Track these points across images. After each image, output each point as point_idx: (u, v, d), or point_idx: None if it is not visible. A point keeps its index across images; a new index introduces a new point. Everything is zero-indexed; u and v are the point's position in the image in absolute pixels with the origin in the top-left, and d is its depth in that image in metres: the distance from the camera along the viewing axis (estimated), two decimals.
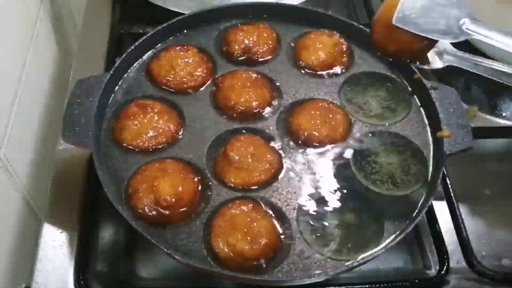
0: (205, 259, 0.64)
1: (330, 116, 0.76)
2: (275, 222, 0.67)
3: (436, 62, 0.66)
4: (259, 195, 0.70)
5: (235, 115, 0.77)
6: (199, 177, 0.70)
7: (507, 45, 0.59)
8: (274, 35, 0.87)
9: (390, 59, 0.78)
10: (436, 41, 0.65)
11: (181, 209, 0.67)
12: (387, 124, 0.78)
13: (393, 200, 0.71)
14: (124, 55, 0.80)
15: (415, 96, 0.81)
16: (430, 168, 0.74)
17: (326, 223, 0.68)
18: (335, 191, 0.71)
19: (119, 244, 0.78)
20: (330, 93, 0.81)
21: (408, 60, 0.72)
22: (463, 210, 0.76)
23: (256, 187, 0.70)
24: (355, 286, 0.70)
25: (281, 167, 0.73)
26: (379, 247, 0.66)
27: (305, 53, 0.84)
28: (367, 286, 0.70)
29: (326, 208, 0.69)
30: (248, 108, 0.77)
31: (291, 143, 0.75)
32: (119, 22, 1.01)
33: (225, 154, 0.70)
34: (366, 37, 0.85)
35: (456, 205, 0.76)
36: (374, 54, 0.86)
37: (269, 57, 0.85)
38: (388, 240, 0.67)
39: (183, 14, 0.88)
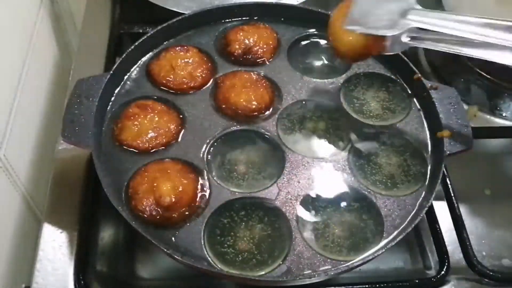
0: (205, 259, 0.64)
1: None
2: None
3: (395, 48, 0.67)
4: (256, 196, 0.70)
5: (235, 115, 0.77)
6: (199, 177, 0.70)
7: (448, 28, 0.60)
8: (274, 35, 0.87)
9: (356, 62, 0.81)
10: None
11: (181, 209, 0.67)
12: (387, 125, 0.78)
13: (393, 200, 0.71)
14: (124, 55, 0.80)
15: (415, 96, 0.81)
16: (430, 168, 0.74)
17: (326, 223, 0.68)
18: (335, 191, 0.71)
19: (119, 244, 0.78)
20: (330, 94, 0.81)
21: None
22: (463, 210, 0.76)
23: (256, 190, 0.70)
24: (355, 286, 0.70)
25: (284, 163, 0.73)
26: (379, 247, 0.66)
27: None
28: (367, 286, 0.70)
29: (326, 208, 0.69)
30: (248, 108, 0.77)
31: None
32: (119, 22, 1.01)
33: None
34: None
35: (456, 205, 0.76)
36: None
37: (269, 57, 0.85)
38: (388, 240, 0.67)
39: (183, 14, 0.88)
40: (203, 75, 0.81)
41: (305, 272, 0.64)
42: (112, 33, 0.99)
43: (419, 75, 0.80)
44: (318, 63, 0.86)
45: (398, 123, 0.79)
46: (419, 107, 0.80)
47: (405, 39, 0.64)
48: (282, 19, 0.90)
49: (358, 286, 0.70)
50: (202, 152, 0.73)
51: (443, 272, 0.71)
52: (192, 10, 0.89)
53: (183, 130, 0.76)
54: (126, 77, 0.81)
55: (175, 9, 0.95)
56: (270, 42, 0.86)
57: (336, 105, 0.80)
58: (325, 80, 0.83)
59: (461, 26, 0.59)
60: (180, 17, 0.86)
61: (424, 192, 0.71)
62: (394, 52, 0.67)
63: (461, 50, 0.61)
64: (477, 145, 0.75)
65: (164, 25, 0.85)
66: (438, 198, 0.76)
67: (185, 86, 0.80)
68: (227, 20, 0.89)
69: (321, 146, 0.76)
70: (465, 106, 0.94)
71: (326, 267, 0.64)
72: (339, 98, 0.81)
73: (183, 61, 0.81)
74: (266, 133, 0.76)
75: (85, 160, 0.79)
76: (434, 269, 0.75)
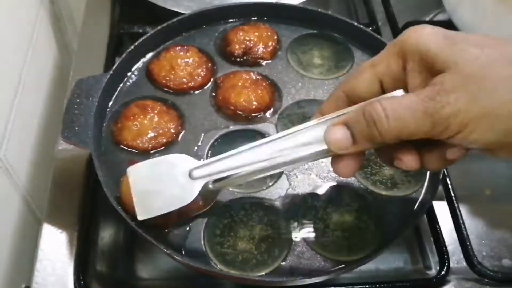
0: (205, 259, 0.64)
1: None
2: None
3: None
4: (256, 196, 0.70)
5: (235, 116, 0.77)
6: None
7: (237, 167, 0.56)
8: (274, 35, 0.87)
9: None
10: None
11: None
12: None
13: (393, 201, 0.70)
14: (124, 55, 0.80)
15: None
16: None
17: (326, 223, 0.68)
18: (335, 191, 0.71)
19: (119, 244, 0.78)
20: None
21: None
22: (463, 210, 0.76)
23: (256, 190, 0.70)
24: (355, 286, 0.70)
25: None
26: (379, 247, 0.66)
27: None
28: (367, 286, 0.70)
29: (326, 208, 0.69)
30: (248, 108, 0.77)
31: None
32: (119, 22, 1.01)
33: None
34: (366, 37, 0.86)
35: (456, 205, 0.76)
36: (373, 54, 0.86)
37: (269, 57, 0.85)
38: (388, 240, 0.67)
39: (183, 14, 0.88)
40: (203, 75, 0.81)
41: (305, 272, 0.64)
42: (112, 33, 0.99)
43: None
44: (318, 63, 0.86)
45: None
46: None
47: (211, 185, 0.60)
48: (282, 19, 0.90)
49: (358, 286, 0.70)
50: (202, 153, 0.73)
51: (443, 272, 0.71)
52: (192, 10, 0.89)
53: (183, 130, 0.76)
54: (126, 77, 0.81)
55: (175, 9, 0.95)
56: (270, 43, 0.86)
57: None
58: (326, 80, 0.83)
59: (249, 159, 0.55)
60: (180, 17, 0.86)
61: (424, 192, 0.71)
62: (208, 206, 0.65)
63: (267, 172, 0.57)
64: None
65: (164, 25, 0.85)
66: (438, 198, 0.76)
67: (185, 86, 0.80)
68: (227, 20, 0.89)
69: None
70: None
71: (326, 267, 0.64)
72: None
73: (183, 61, 0.81)
74: (266, 133, 0.76)
75: (85, 160, 0.79)
76: (434, 269, 0.75)
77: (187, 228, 0.66)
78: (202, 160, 0.62)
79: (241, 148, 0.56)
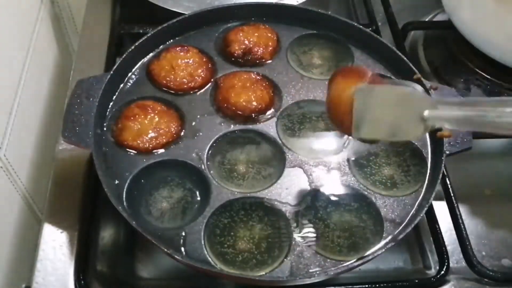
0: (205, 259, 0.64)
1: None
2: None
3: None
4: (256, 196, 0.70)
5: (235, 115, 0.78)
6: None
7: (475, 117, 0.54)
8: (274, 36, 0.87)
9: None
10: None
11: None
12: None
13: (393, 200, 0.71)
14: (125, 55, 0.80)
15: None
16: (430, 168, 0.74)
17: (326, 223, 0.68)
18: (335, 191, 0.71)
19: (119, 244, 0.78)
20: None
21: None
22: (463, 210, 0.76)
23: (258, 189, 0.70)
24: (355, 286, 0.70)
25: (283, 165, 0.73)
26: (379, 247, 0.66)
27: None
28: (367, 286, 0.70)
29: (326, 208, 0.70)
30: (248, 109, 0.78)
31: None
32: (119, 22, 1.01)
33: None
34: (366, 37, 0.86)
35: (456, 205, 0.76)
36: (373, 54, 0.86)
37: (269, 57, 0.85)
38: (387, 240, 0.67)
39: (183, 14, 0.88)
40: (204, 76, 0.81)
41: (305, 272, 0.64)
42: (112, 33, 0.99)
43: (419, 75, 0.79)
44: (318, 63, 0.86)
45: None
46: None
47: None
48: (282, 19, 0.90)
49: (358, 286, 0.70)
50: (202, 153, 0.73)
51: (442, 272, 0.71)
52: (192, 10, 0.89)
53: (183, 130, 0.76)
54: (126, 77, 0.81)
55: (175, 9, 0.95)
56: (270, 43, 0.86)
57: None
58: (326, 80, 0.83)
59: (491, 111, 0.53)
60: (180, 18, 0.86)
61: (423, 192, 0.71)
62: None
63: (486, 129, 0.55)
64: (477, 145, 0.76)
65: (164, 25, 0.85)
66: (438, 198, 0.76)
67: (185, 86, 0.80)
68: (228, 21, 0.89)
69: (321, 146, 0.76)
70: None
71: (326, 267, 0.65)
72: None
73: (183, 61, 0.81)
74: (266, 133, 0.76)
75: (86, 160, 0.79)
76: (434, 269, 0.75)
77: (188, 228, 0.66)
78: (436, 102, 0.57)
79: (485, 98, 0.54)
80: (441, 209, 0.76)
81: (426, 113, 0.56)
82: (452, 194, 0.77)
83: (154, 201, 0.70)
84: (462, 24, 0.96)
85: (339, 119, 0.62)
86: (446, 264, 0.71)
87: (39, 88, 0.96)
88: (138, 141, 0.73)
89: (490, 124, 0.53)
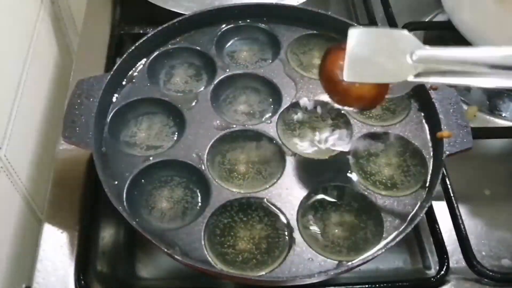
0: (205, 259, 0.64)
1: None
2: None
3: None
4: (256, 196, 0.70)
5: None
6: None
7: (462, 67, 0.55)
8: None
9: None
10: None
11: None
12: (387, 125, 0.78)
13: (393, 201, 0.71)
14: (125, 55, 0.80)
15: (415, 97, 0.81)
16: (430, 169, 0.74)
17: (326, 223, 0.68)
18: (335, 192, 0.71)
19: (119, 244, 0.78)
20: None
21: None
22: (463, 210, 0.76)
23: (258, 189, 0.70)
24: (355, 286, 0.70)
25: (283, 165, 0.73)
26: (379, 247, 0.66)
27: None
28: (367, 286, 0.70)
29: (326, 208, 0.70)
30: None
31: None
32: (119, 22, 1.01)
33: None
34: None
35: (456, 205, 0.76)
36: None
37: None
38: (388, 240, 0.67)
39: (184, 14, 0.88)
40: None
41: (305, 272, 0.64)
42: (112, 33, 0.99)
43: None
44: (318, 63, 0.86)
45: (398, 124, 0.79)
46: (418, 107, 0.81)
47: (411, 78, 0.59)
48: (282, 19, 0.90)
49: (358, 286, 0.70)
50: (202, 153, 0.73)
51: (442, 272, 0.71)
52: (192, 10, 0.89)
53: (183, 131, 0.76)
54: (126, 77, 0.81)
55: (176, 9, 0.95)
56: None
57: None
58: None
59: (478, 62, 0.55)
60: (180, 18, 0.86)
61: (423, 192, 0.71)
62: (399, 94, 0.65)
63: (470, 81, 0.56)
64: (477, 145, 0.75)
65: (164, 26, 0.85)
66: (438, 198, 0.76)
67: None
68: (228, 21, 0.90)
69: (321, 146, 0.76)
70: (465, 107, 0.94)
71: (326, 267, 0.65)
72: None
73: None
74: (266, 133, 0.76)
75: (86, 160, 0.79)
76: (434, 269, 0.75)
77: (187, 228, 0.66)
78: (420, 48, 0.58)
79: (474, 48, 0.55)
80: (441, 209, 0.76)
81: (415, 52, 0.57)
82: (452, 194, 0.77)
83: (154, 201, 0.70)
84: (462, 24, 0.96)
85: (333, 79, 0.64)
86: (446, 264, 0.71)
87: (39, 88, 0.96)
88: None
89: (478, 67, 0.55)
